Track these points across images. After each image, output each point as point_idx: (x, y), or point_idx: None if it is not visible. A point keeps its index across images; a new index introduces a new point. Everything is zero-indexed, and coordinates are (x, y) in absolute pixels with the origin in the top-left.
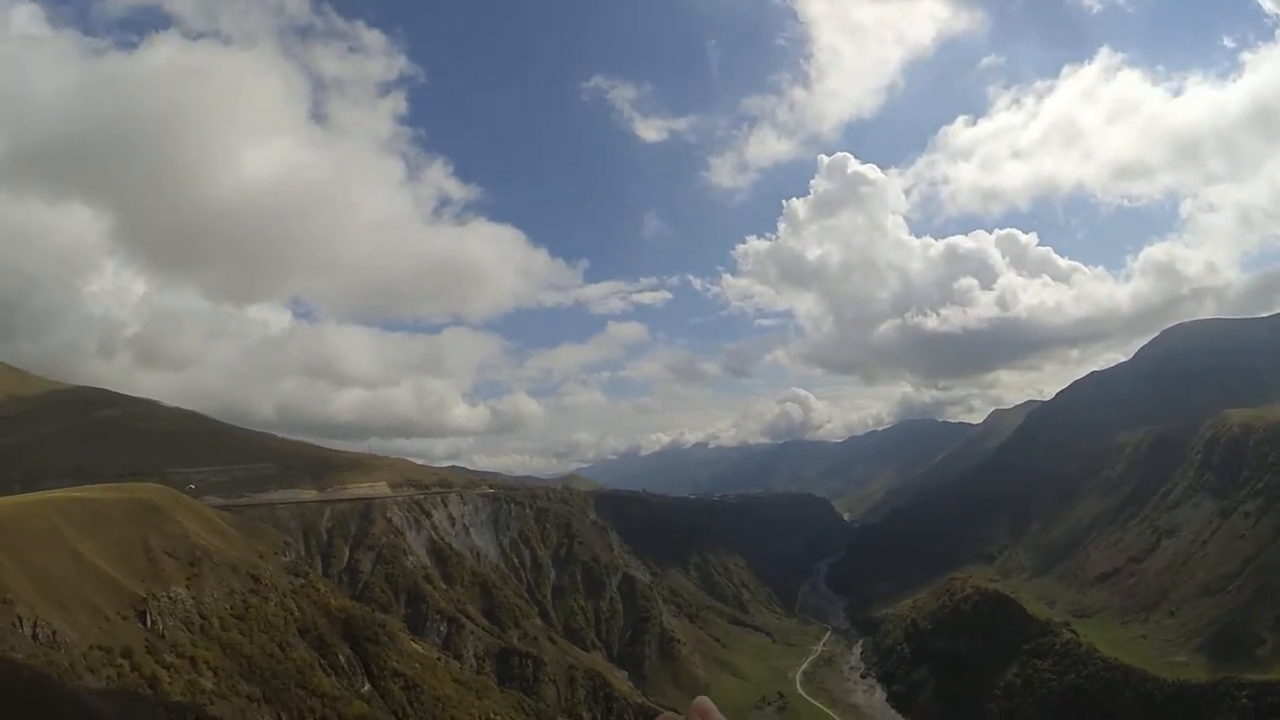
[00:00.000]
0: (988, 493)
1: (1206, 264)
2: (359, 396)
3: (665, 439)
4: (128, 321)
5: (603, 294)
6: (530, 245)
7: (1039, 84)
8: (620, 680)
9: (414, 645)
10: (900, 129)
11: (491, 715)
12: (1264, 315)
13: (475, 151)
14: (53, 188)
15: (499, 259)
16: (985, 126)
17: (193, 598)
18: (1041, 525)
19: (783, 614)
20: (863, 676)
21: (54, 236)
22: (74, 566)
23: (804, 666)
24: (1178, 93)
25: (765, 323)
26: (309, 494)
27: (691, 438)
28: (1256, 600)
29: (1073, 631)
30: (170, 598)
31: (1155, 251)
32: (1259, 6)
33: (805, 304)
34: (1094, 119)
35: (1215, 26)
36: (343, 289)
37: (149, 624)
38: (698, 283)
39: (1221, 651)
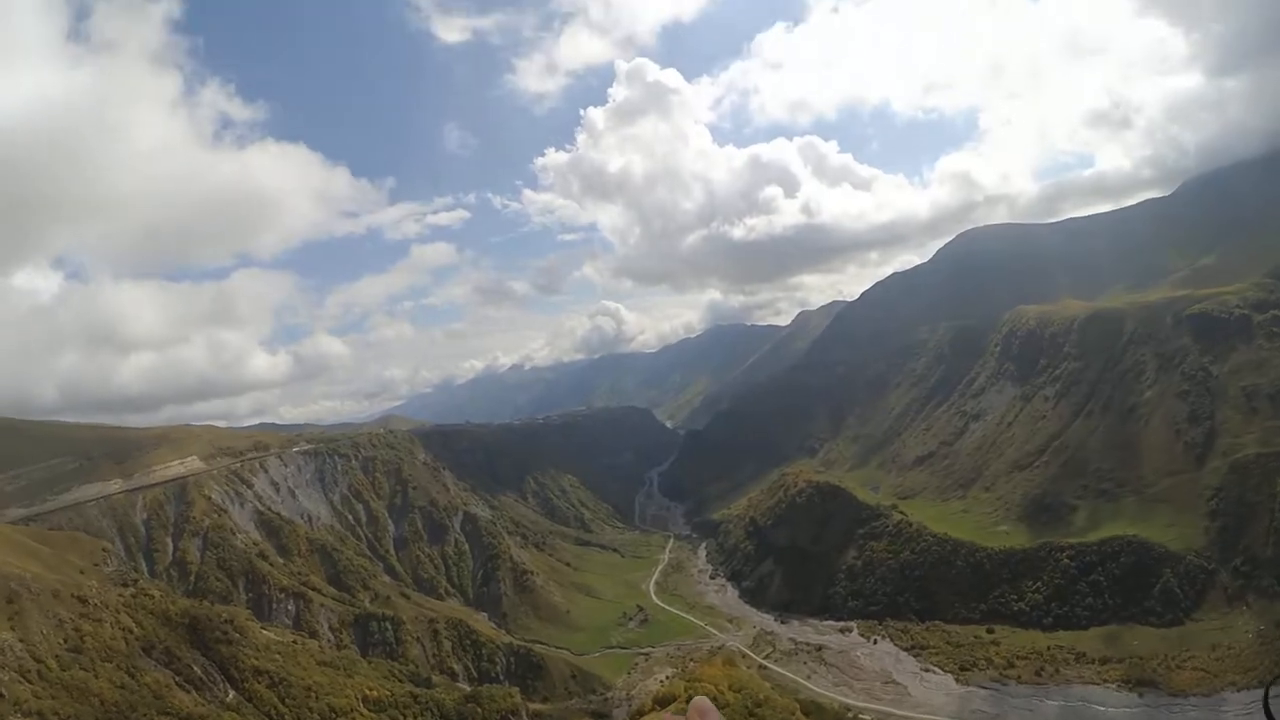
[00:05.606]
0: (804, 390)
1: (1001, 174)
2: (148, 361)
3: (479, 365)
4: None
5: (397, 218)
6: (328, 165)
7: None
8: (482, 623)
9: (266, 634)
10: (719, 33)
11: (366, 692)
12: (1052, 221)
13: (260, 62)
14: None
15: (292, 183)
16: (801, 34)
17: (20, 640)
18: (858, 417)
19: (624, 528)
20: (712, 578)
21: None
22: None
23: (655, 577)
24: (993, 5)
25: (569, 237)
26: (116, 484)
27: (506, 360)
28: (1064, 474)
29: (901, 513)
30: None
31: (951, 161)
32: None
33: (610, 217)
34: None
35: None
36: (116, 236)
37: None
38: (497, 200)
39: (1038, 520)
